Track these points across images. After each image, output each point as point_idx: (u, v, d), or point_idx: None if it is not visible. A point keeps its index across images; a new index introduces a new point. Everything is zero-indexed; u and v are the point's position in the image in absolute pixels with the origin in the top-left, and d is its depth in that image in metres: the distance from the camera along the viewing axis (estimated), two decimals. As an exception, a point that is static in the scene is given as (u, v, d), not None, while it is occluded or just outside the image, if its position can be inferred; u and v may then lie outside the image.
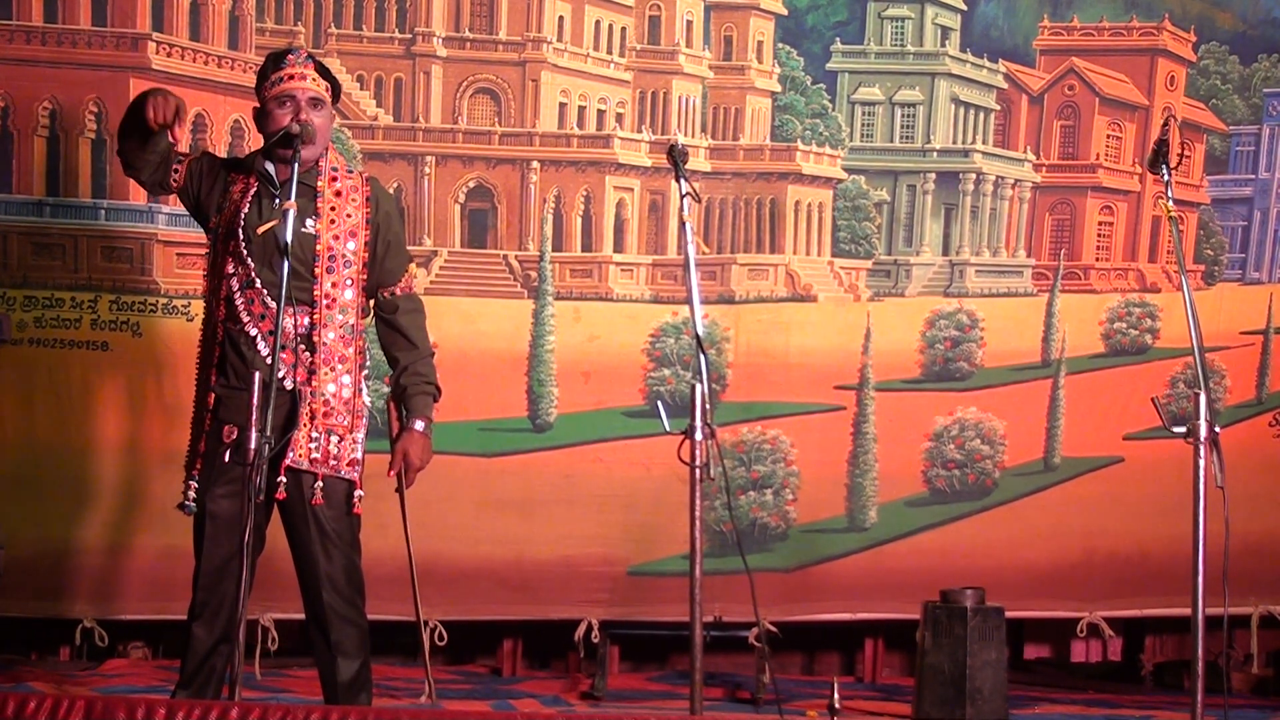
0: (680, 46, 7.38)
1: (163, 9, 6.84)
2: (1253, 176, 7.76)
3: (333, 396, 5.01)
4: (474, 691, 6.79)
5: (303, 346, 5.00)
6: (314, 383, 5.00)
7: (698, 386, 5.08)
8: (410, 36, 7.14)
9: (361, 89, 7.12)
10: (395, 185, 7.14)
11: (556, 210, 7.26)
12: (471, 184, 7.21)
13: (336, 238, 5.06)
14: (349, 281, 5.07)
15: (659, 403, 5.29)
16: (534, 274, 7.16)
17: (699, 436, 5.00)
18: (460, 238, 7.20)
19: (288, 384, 4.97)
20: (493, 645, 7.37)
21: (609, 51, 7.37)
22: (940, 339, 7.49)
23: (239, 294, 5.02)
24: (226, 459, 4.97)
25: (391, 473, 5.19)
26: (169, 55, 6.85)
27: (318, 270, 5.02)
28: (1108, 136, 7.74)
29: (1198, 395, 5.21)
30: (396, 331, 5.19)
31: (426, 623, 6.91)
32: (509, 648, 7.33)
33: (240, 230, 5.00)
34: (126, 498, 6.80)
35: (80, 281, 6.82)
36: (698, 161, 7.26)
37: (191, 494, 5.03)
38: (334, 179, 5.09)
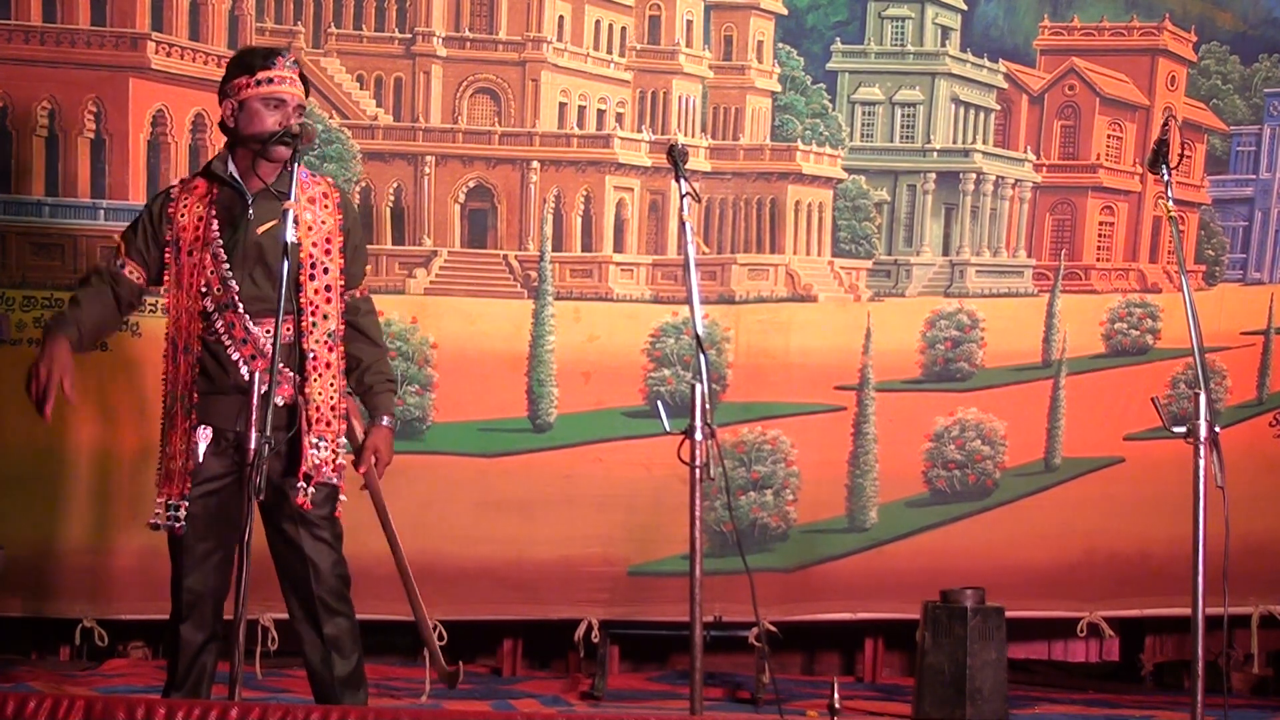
0: (680, 46, 7.38)
1: (162, 8, 6.84)
2: (1253, 177, 7.76)
3: (323, 404, 5.00)
4: (474, 691, 6.78)
5: (287, 356, 4.97)
6: (307, 391, 4.98)
7: (698, 386, 5.08)
8: (410, 36, 7.14)
9: (361, 89, 7.12)
10: (395, 185, 7.14)
11: (556, 210, 7.26)
12: (471, 184, 7.21)
13: (315, 244, 5.00)
14: (329, 288, 5.03)
15: (659, 403, 5.29)
16: (534, 274, 7.16)
17: (699, 436, 5.00)
18: (460, 238, 7.20)
19: (278, 400, 4.88)
20: (493, 645, 7.37)
21: (609, 51, 7.37)
22: (941, 339, 7.49)
23: (218, 316, 4.93)
24: (200, 459, 4.92)
25: (362, 470, 5.16)
26: (168, 55, 6.85)
27: (303, 278, 4.97)
28: (1108, 136, 7.73)
29: (1198, 395, 5.21)
30: (358, 332, 5.16)
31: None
32: (509, 648, 7.33)
33: (222, 249, 4.92)
34: (126, 498, 6.80)
35: (79, 281, 6.79)
36: (698, 161, 7.26)
37: (181, 512, 4.94)
38: (305, 186, 5.01)
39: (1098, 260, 7.67)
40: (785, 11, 7.42)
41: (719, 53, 7.43)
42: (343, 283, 5.07)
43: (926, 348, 7.49)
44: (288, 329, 4.95)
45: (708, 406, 5.00)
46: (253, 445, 4.64)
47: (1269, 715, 6.59)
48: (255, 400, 4.69)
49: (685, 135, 7.34)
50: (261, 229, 4.93)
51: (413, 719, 4.91)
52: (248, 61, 5.01)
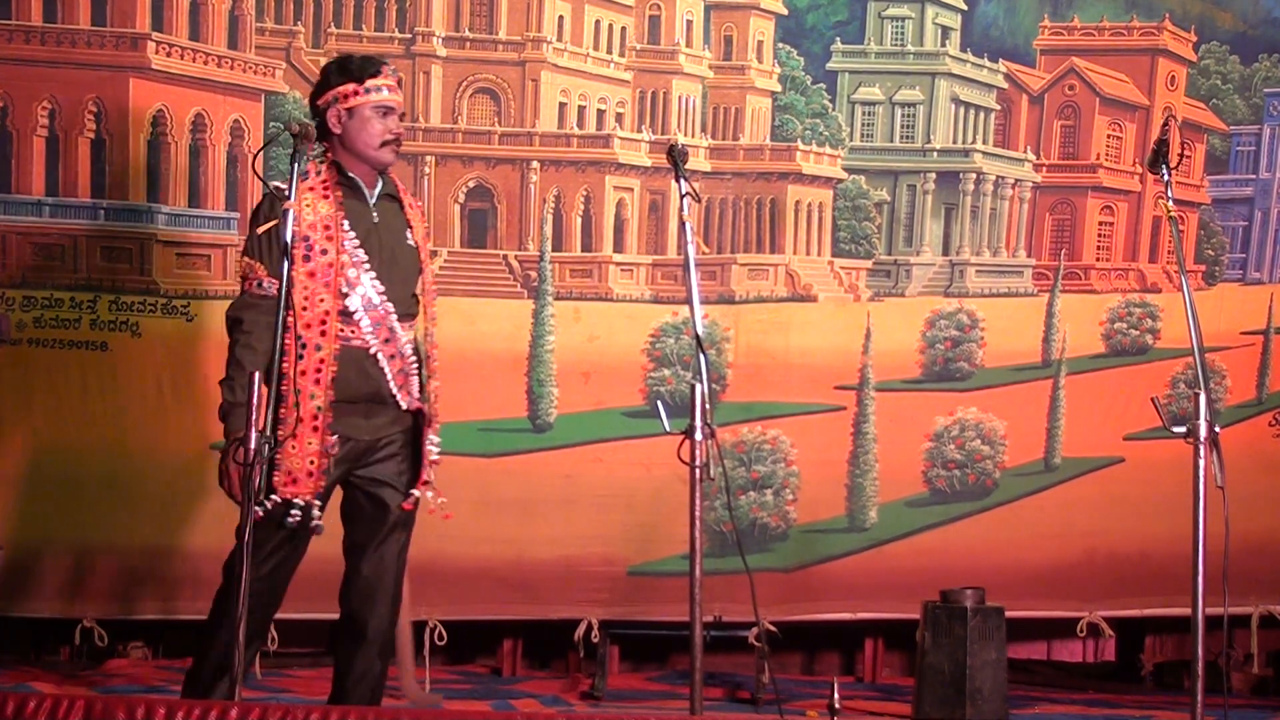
0: (680, 46, 7.38)
1: (162, 8, 6.84)
2: (1253, 176, 7.76)
3: (435, 403, 5.11)
4: (474, 691, 6.78)
5: (414, 360, 5.07)
6: (427, 389, 5.10)
7: (698, 386, 5.07)
8: (410, 36, 7.14)
9: (361, 89, 7.11)
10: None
11: (556, 210, 7.25)
12: (471, 184, 7.21)
13: (421, 248, 5.16)
14: (425, 289, 5.18)
15: (659, 403, 5.29)
16: (534, 274, 7.16)
17: (699, 436, 4.99)
18: (460, 238, 7.19)
19: (402, 403, 5.03)
20: (493, 645, 7.37)
21: (609, 51, 7.37)
22: (940, 339, 7.49)
23: (363, 313, 4.97)
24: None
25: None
26: (168, 55, 6.85)
27: (422, 281, 5.12)
28: (1108, 136, 7.73)
29: (1198, 395, 5.20)
30: None
31: (426, 622, 6.96)
32: (509, 648, 7.33)
33: (360, 249, 4.99)
34: (126, 498, 6.80)
35: (79, 281, 6.81)
36: (698, 161, 7.26)
37: (316, 512, 4.93)
38: (404, 192, 5.19)
39: (1097, 260, 7.67)
40: (785, 11, 7.42)
41: (719, 53, 7.43)
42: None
43: (926, 347, 7.49)
44: (412, 332, 5.07)
45: (708, 406, 4.99)
46: (252, 445, 4.63)
47: (1269, 715, 6.59)
48: (254, 400, 4.68)
49: (685, 135, 7.33)
50: (388, 233, 5.07)
51: (413, 719, 4.91)
52: (352, 70, 5.09)
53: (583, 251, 7.30)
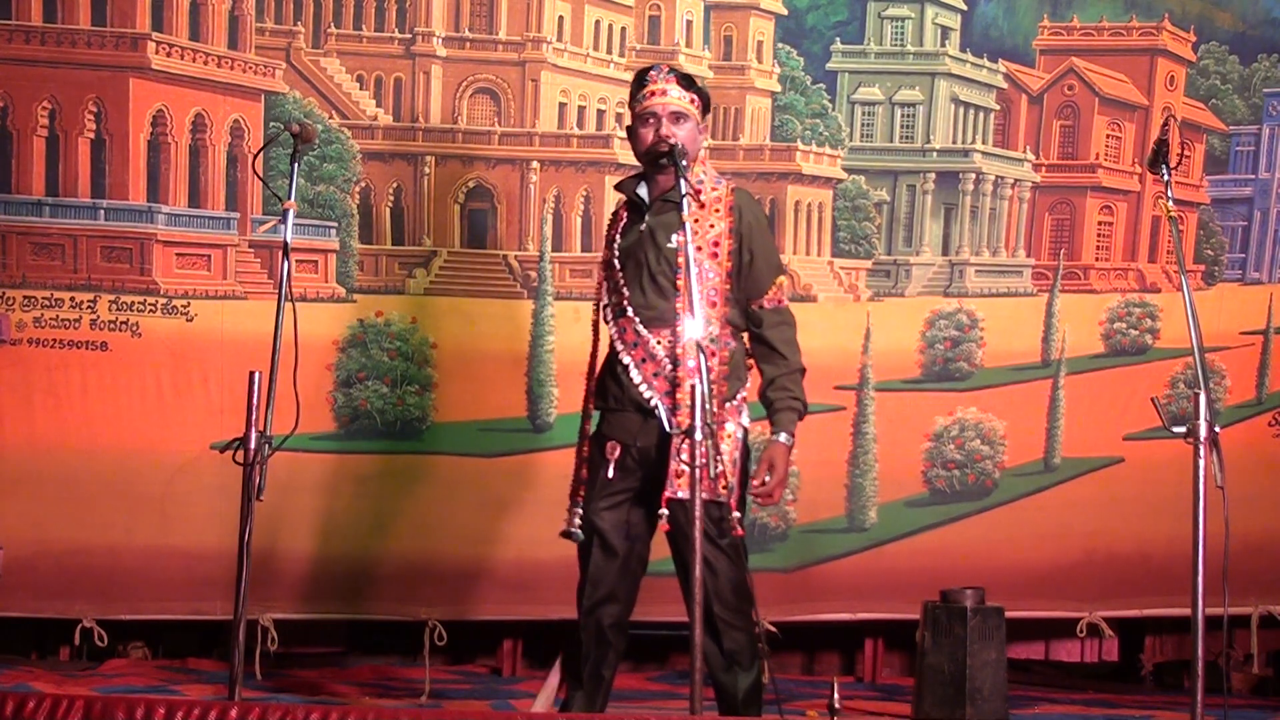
0: (680, 46, 7.38)
1: (162, 9, 6.84)
2: (1253, 176, 7.76)
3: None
4: (474, 691, 6.78)
5: (670, 367, 5.05)
6: (678, 397, 5.03)
7: (698, 387, 5.07)
8: (410, 36, 7.14)
9: (361, 89, 7.12)
10: (395, 185, 7.14)
11: (556, 210, 7.25)
12: (471, 184, 7.21)
13: (699, 249, 5.03)
14: (712, 293, 5.09)
15: (658, 403, 5.27)
16: (534, 274, 7.16)
17: (699, 436, 4.99)
18: (460, 238, 7.19)
19: (661, 411, 5.01)
20: (493, 645, 7.37)
21: (609, 51, 7.37)
22: (940, 339, 7.49)
23: (612, 323, 5.13)
24: (610, 474, 5.08)
25: (755, 481, 5.18)
26: (168, 55, 6.85)
27: (679, 285, 5.05)
28: (1107, 136, 7.73)
29: (1198, 395, 5.19)
30: (764, 345, 5.19)
31: (426, 622, 6.96)
32: (509, 648, 7.33)
33: (615, 260, 5.13)
34: (126, 498, 6.80)
35: (79, 281, 6.82)
36: (698, 161, 7.25)
37: (577, 520, 5.13)
38: (698, 191, 5.09)
39: (1097, 260, 7.67)
40: (785, 11, 7.41)
41: (719, 53, 7.43)
42: (729, 289, 5.11)
43: (926, 347, 7.49)
44: (668, 338, 5.05)
45: (708, 406, 4.99)
46: (253, 445, 4.63)
47: (1269, 715, 6.59)
48: (254, 400, 4.68)
49: (685, 135, 7.32)
50: (649, 238, 5.11)
51: (412, 719, 4.91)
52: (635, 82, 5.22)
53: (583, 251, 7.29)
